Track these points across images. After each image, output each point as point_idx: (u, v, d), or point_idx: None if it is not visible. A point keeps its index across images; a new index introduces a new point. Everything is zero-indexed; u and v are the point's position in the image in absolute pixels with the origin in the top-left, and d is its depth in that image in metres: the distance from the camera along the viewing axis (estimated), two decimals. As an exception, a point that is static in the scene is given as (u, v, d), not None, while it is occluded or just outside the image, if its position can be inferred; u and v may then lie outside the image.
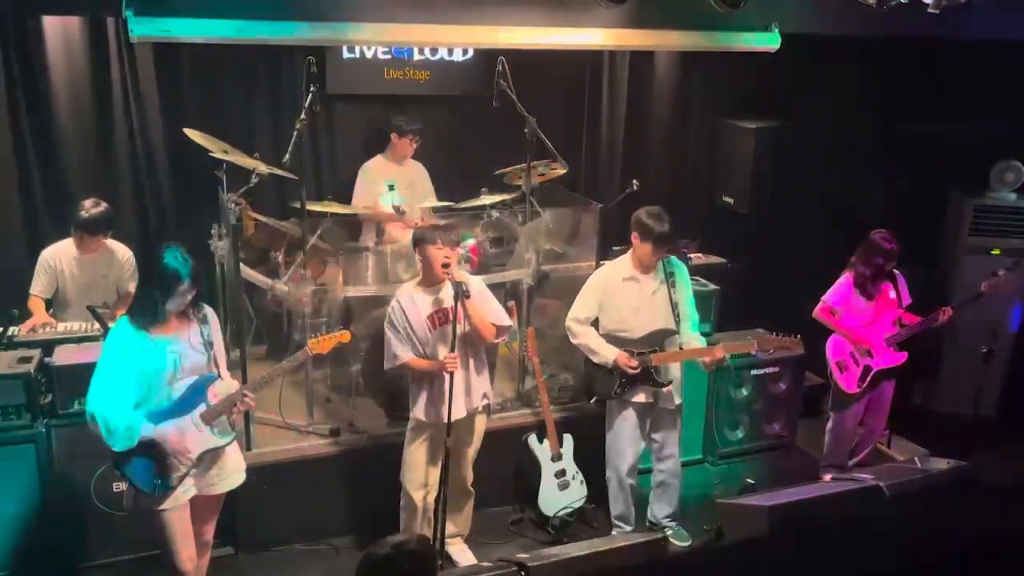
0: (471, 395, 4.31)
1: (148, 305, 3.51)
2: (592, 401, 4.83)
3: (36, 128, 5.32)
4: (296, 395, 5.13)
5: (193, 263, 3.52)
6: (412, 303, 4.22)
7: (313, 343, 3.86)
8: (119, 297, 4.97)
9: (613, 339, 4.58)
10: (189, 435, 3.58)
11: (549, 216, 5.32)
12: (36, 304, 4.87)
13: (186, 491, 3.63)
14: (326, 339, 3.88)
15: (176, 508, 3.61)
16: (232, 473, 3.80)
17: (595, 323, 4.66)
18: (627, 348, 4.53)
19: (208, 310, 3.71)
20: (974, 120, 6.24)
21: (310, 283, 4.91)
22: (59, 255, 4.90)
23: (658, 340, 4.57)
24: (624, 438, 4.70)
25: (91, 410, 3.45)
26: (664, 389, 4.61)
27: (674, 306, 4.56)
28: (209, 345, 3.63)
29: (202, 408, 3.61)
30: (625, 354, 4.50)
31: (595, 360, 4.59)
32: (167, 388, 3.55)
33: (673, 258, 4.70)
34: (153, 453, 3.53)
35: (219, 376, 3.68)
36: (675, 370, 4.69)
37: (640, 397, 4.62)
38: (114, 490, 4.32)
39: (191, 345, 3.60)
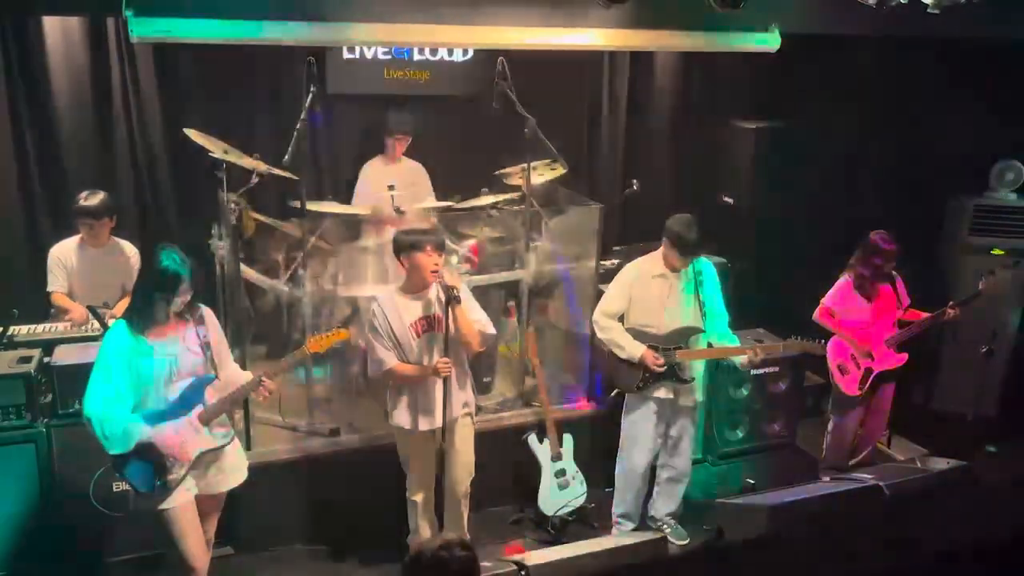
0: (453, 404, 4.19)
1: (146, 308, 3.51)
2: (612, 394, 4.82)
3: (36, 128, 5.32)
4: (296, 395, 5.13)
5: (191, 263, 3.53)
6: (394, 308, 4.14)
7: (312, 342, 3.85)
8: (123, 295, 4.97)
9: (638, 334, 4.58)
10: (186, 436, 3.57)
11: (549, 216, 5.31)
12: (64, 299, 4.89)
13: (187, 491, 3.63)
14: (324, 338, 3.87)
15: (179, 506, 3.61)
16: (232, 472, 3.81)
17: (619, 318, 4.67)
18: (652, 344, 4.54)
19: (205, 310, 3.71)
20: (974, 120, 6.24)
21: (310, 283, 4.91)
22: (67, 251, 4.91)
23: (683, 337, 4.58)
24: (642, 434, 4.71)
25: (87, 413, 3.45)
26: (688, 384, 4.62)
27: (701, 305, 4.58)
28: (206, 346, 3.63)
29: (200, 409, 3.60)
30: (652, 352, 4.51)
31: (621, 355, 4.59)
32: (164, 390, 3.55)
33: (702, 258, 4.71)
34: (151, 455, 3.53)
35: (217, 377, 3.67)
36: (697, 367, 4.69)
37: (661, 392, 4.62)
38: (114, 490, 4.31)
39: (187, 347, 3.60)
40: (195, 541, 3.69)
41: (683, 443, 4.79)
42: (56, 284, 4.90)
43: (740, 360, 4.68)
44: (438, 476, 4.25)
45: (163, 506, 3.59)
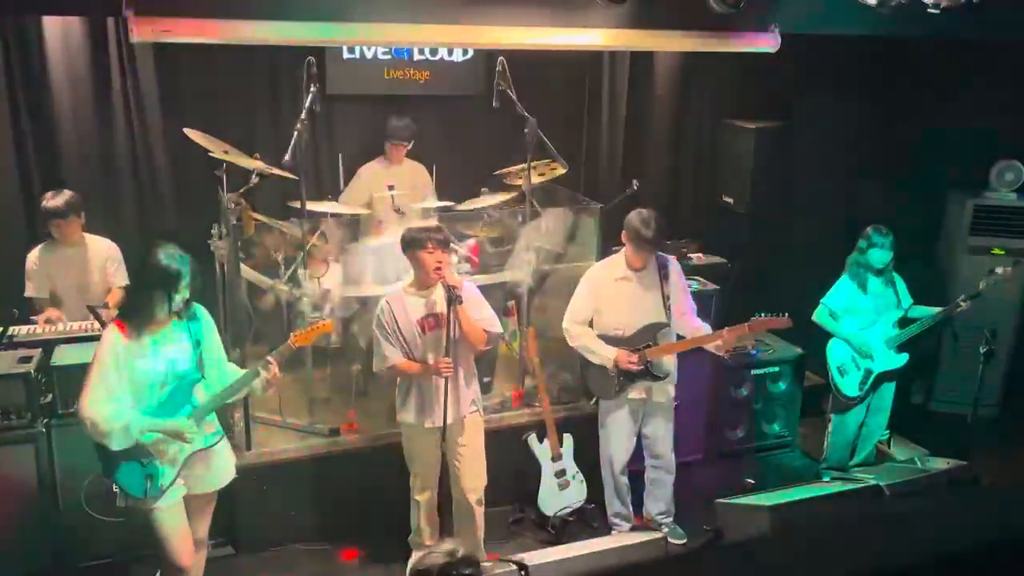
0: (459, 403, 4.20)
1: (145, 307, 3.48)
2: (592, 402, 4.83)
3: (36, 128, 5.31)
4: (296, 395, 5.13)
5: (190, 259, 3.51)
6: (401, 306, 4.15)
7: (296, 336, 3.80)
8: (105, 290, 4.96)
9: (606, 338, 4.58)
10: (176, 437, 3.55)
11: (549, 216, 5.31)
12: (42, 303, 4.89)
13: (177, 490, 3.61)
14: (309, 331, 3.82)
15: (167, 507, 3.60)
16: (222, 471, 3.78)
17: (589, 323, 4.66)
18: (620, 346, 4.54)
19: (198, 308, 3.68)
20: (974, 120, 6.24)
21: (310, 283, 4.91)
22: (43, 255, 4.90)
23: (650, 335, 4.58)
24: (618, 435, 4.72)
25: (85, 415, 3.43)
26: (663, 381, 4.62)
27: (665, 299, 4.57)
28: (197, 344, 3.60)
29: (189, 408, 3.58)
30: (624, 352, 4.50)
31: (594, 361, 4.59)
32: (157, 390, 3.53)
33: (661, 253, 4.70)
34: (141, 456, 3.51)
35: (203, 376, 3.63)
36: (669, 363, 4.69)
37: (635, 393, 4.63)
38: (104, 491, 4.26)
39: (180, 346, 3.57)
40: (182, 540, 3.67)
41: (661, 441, 4.79)
42: (32, 290, 4.89)
43: (716, 348, 4.67)
44: (442, 476, 4.25)
45: (153, 507, 3.56)
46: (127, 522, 4.06)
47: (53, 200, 4.80)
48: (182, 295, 3.50)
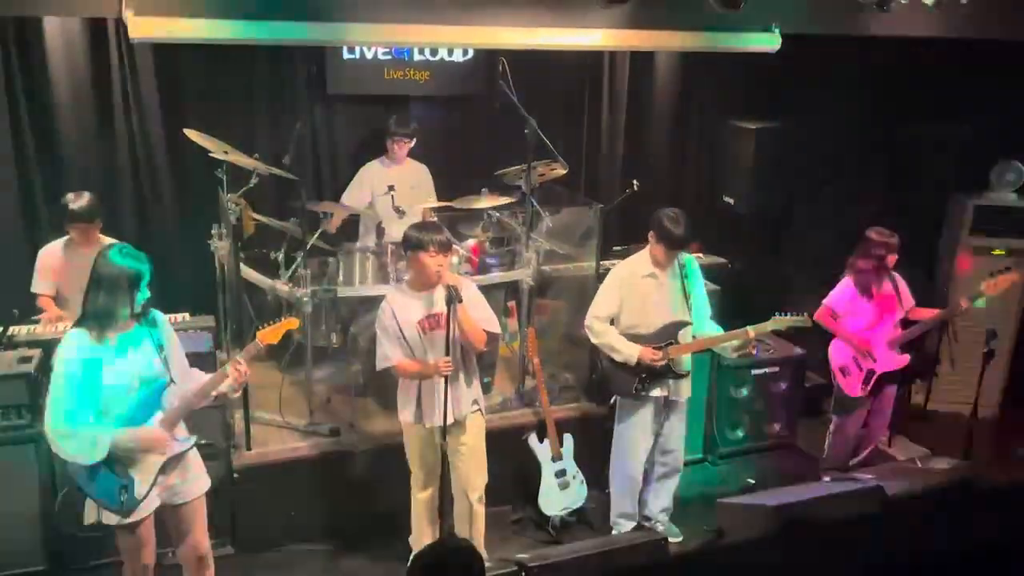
0: (460, 402, 4.20)
1: (107, 310, 3.39)
2: (612, 401, 4.83)
3: (36, 128, 5.31)
4: (296, 395, 5.13)
5: (147, 257, 3.45)
6: (402, 306, 4.15)
7: (262, 333, 3.72)
8: None
9: (628, 336, 4.57)
10: (149, 442, 3.48)
11: (549, 216, 5.31)
12: (47, 302, 4.87)
13: (151, 502, 3.53)
14: (275, 328, 3.75)
15: (141, 520, 3.52)
16: (198, 478, 3.72)
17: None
18: (642, 344, 4.53)
19: (157, 313, 3.61)
20: (974, 120, 6.24)
21: (310, 283, 4.91)
22: (57, 254, 4.87)
23: (672, 333, 4.57)
24: (637, 435, 4.71)
25: (51, 432, 3.34)
26: (682, 379, 4.63)
27: (687, 297, 4.58)
28: (160, 349, 3.53)
29: (159, 415, 3.52)
30: (648, 349, 4.50)
31: (617, 358, 4.58)
32: (124, 397, 3.45)
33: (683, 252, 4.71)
34: (115, 467, 3.44)
35: (171, 380, 3.55)
36: (686, 362, 4.69)
37: (657, 392, 4.62)
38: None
39: (144, 350, 3.50)
40: (148, 552, 3.60)
41: (675, 439, 4.79)
42: (41, 287, 4.85)
43: (731, 347, 4.66)
44: (443, 476, 4.25)
45: (128, 520, 3.48)
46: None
47: (77, 203, 4.69)
48: (143, 294, 3.44)
